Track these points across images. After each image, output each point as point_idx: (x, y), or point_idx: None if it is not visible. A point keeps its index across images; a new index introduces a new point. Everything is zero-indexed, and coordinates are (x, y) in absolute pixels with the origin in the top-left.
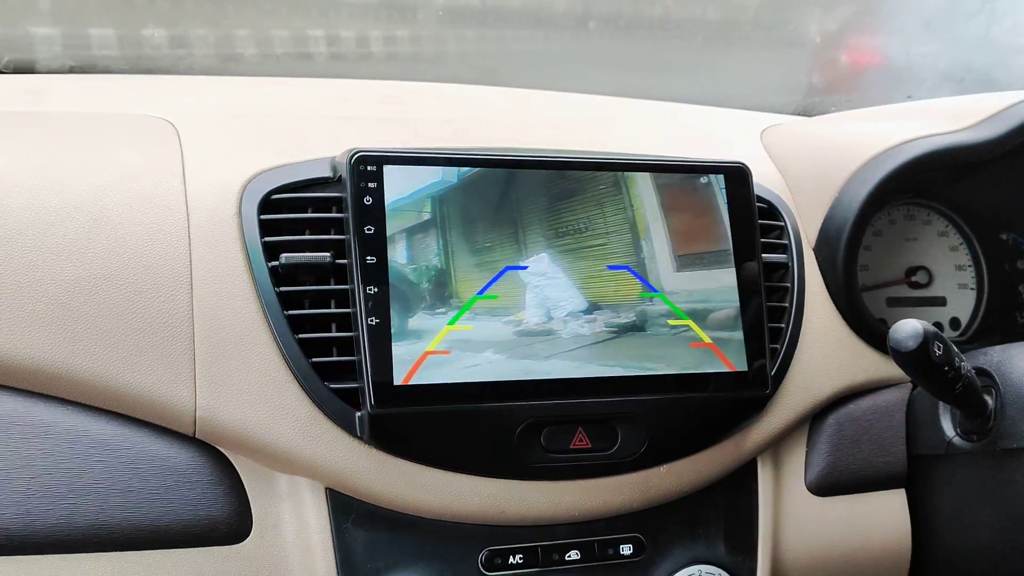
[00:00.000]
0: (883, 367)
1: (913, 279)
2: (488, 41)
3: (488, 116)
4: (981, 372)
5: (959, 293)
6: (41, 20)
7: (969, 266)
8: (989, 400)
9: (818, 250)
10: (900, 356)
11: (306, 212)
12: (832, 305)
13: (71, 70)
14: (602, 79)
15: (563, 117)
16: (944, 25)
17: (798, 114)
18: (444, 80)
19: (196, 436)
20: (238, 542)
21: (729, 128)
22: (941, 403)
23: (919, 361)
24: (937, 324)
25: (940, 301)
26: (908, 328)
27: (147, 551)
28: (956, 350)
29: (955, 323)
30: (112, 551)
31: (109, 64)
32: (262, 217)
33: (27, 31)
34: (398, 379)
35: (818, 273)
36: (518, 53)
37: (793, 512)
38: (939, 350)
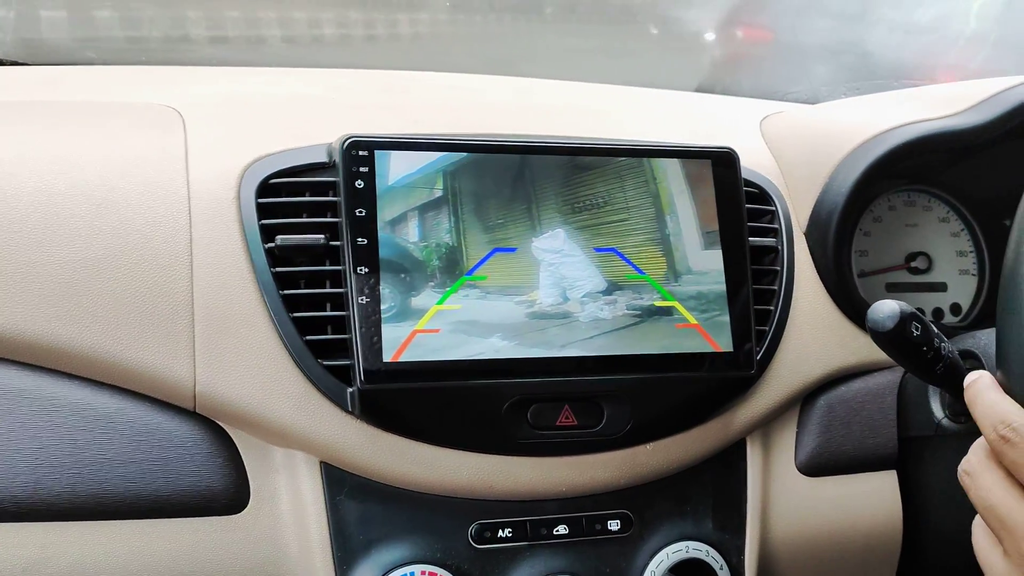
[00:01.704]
0: (874, 350)
1: (913, 264)
2: (440, 24)
3: (486, 104)
4: (969, 355)
5: (960, 279)
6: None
7: (971, 252)
8: None
9: (809, 234)
10: (878, 335)
11: (303, 196)
12: (823, 289)
13: (82, 62)
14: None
15: (563, 105)
16: (827, 3)
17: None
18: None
19: (196, 410)
20: (236, 513)
21: (729, 116)
22: (931, 386)
23: (897, 340)
24: (937, 310)
25: (940, 287)
26: (885, 308)
27: (148, 520)
28: (936, 331)
29: (956, 309)
30: (115, 520)
31: (118, 56)
32: (260, 201)
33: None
34: (387, 356)
35: (809, 257)
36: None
37: (783, 492)
38: (916, 330)
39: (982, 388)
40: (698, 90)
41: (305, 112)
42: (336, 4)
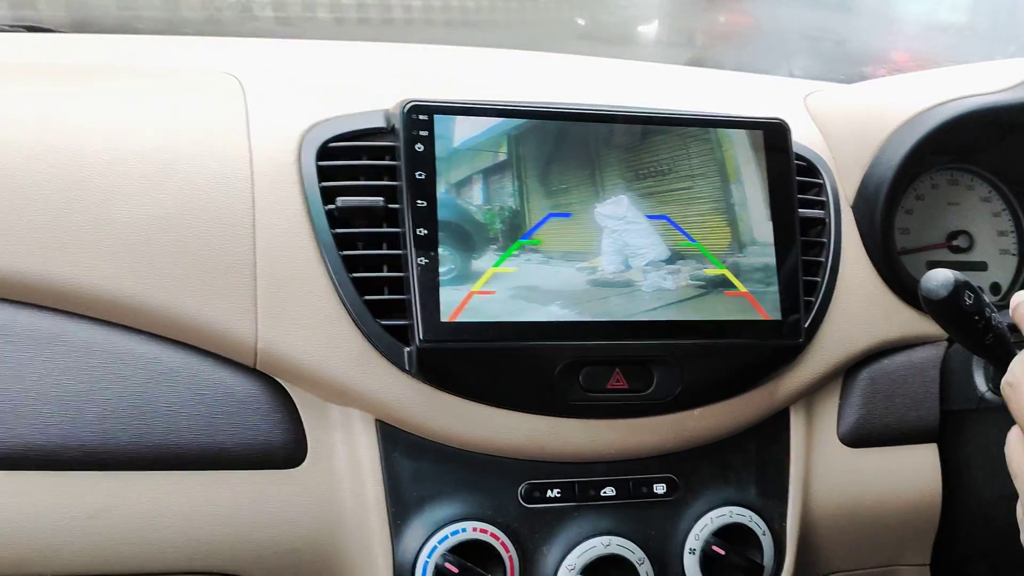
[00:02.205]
0: (919, 324)
1: (954, 243)
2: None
3: (538, 76)
4: (1016, 328)
5: (1000, 259)
6: None
7: (1012, 232)
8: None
9: (856, 208)
10: (931, 303)
11: (361, 159)
12: (869, 262)
13: (138, 31)
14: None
15: (613, 81)
16: None
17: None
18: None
19: (256, 367)
20: (294, 467)
21: (773, 93)
22: (975, 359)
23: (949, 309)
24: (979, 288)
25: (981, 266)
26: (939, 276)
27: (211, 471)
28: (987, 301)
29: (995, 288)
30: (179, 470)
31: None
32: (320, 164)
33: None
34: (444, 316)
35: (856, 231)
36: None
37: (824, 462)
38: (969, 299)
39: None
40: None
41: (360, 80)
42: None
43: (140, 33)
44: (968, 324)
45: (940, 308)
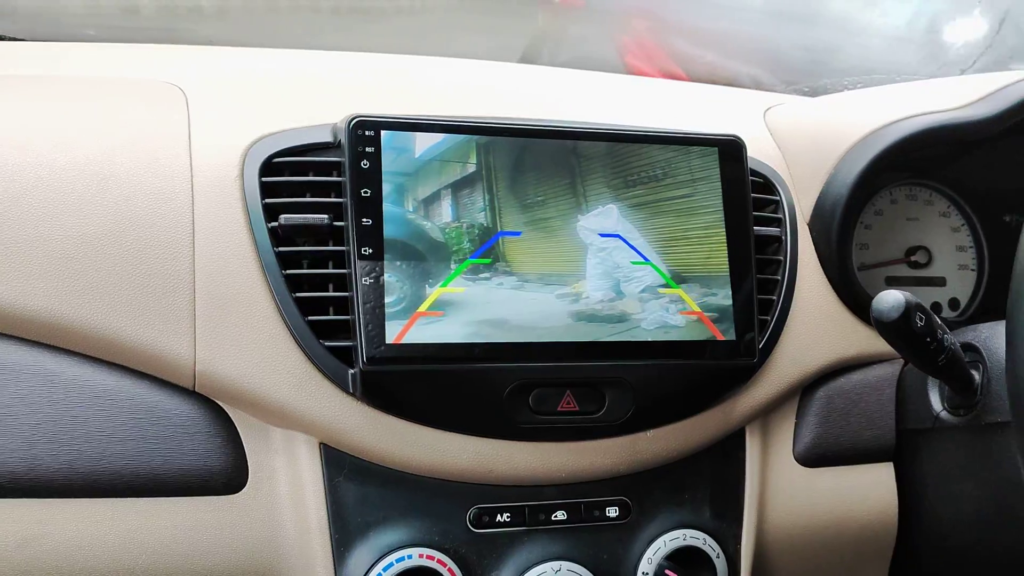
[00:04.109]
0: (875, 342)
1: (913, 259)
2: None
3: (487, 88)
4: (969, 347)
5: (959, 274)
6: None
7: (970, 247)
8: (976, 375)
9: (812, 226)
10: (882, 326)
11: (307, 175)
12: (825, 280)
13: (87, 39)
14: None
15: (570, 93)
16: None
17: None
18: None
19: (195, 389)
20: (234, 492)
21: (733, 106)
22: (930, 378)
23: (900, 331)
24: (936, 304)
25: (940, 281)
26: (890, 298)
27: (146, 498)
28: (939, 322)
29: (954, 303)
30: (113, 497)
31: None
32: (263, 179)
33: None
34: (390, 338)
35: (812, 248)
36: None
37: (780, 482)
38: (921, 321)
39: None
40: (522, 59)
41: (308, 92)
42: None
43: (89, 41)
44: (920, 346)
45: (891, 330)
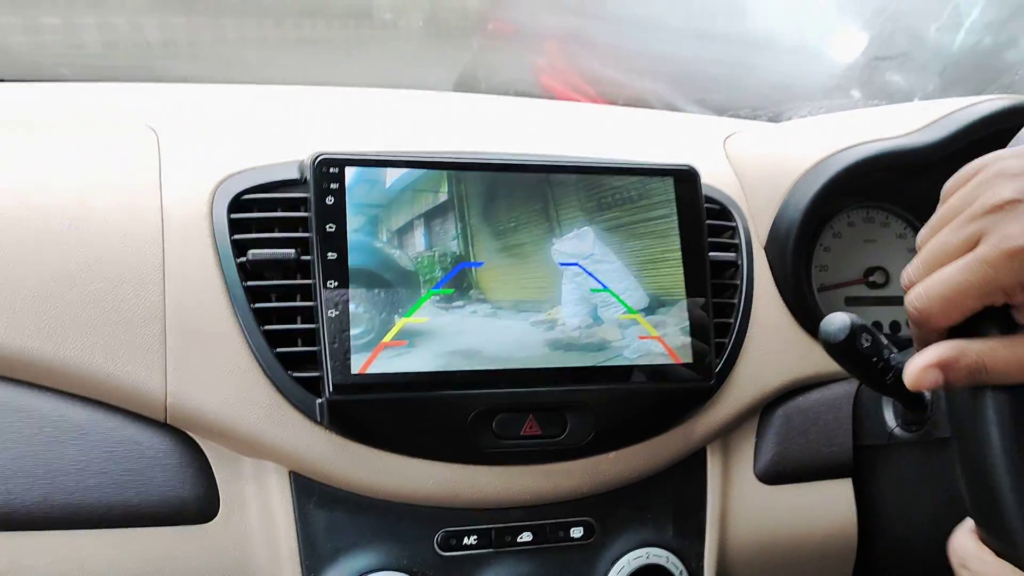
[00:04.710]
0: (830, 362)
1: (871, 279)
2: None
3: (452, 121)
4: None
5: None
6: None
7: None
8: (926, 393)
9: (768, 250)
10: (829, 347)
11: (275, 211)
12: (782, 302)
13: (55, 79)
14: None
15: (533, 123)
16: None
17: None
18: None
19: (167, 422)
20: (206, 522)
21: (693, 134)
22: (883, 396)
23: (847, 351)
24: (894, 323)
25: (898, 300)
26: (837, 320)
27: (120, 529)
28: (886, 342)
29: None
30: (87, 528)
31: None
32: (232, 216)
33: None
34: (355, 369)
35: (769, 272)
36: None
37: (742, 499)
38: (867, 342)
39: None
40: (457, 86)
41: (277, 129)
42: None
43: (64, 80)
44: (867, 365)
45: (838, 351)
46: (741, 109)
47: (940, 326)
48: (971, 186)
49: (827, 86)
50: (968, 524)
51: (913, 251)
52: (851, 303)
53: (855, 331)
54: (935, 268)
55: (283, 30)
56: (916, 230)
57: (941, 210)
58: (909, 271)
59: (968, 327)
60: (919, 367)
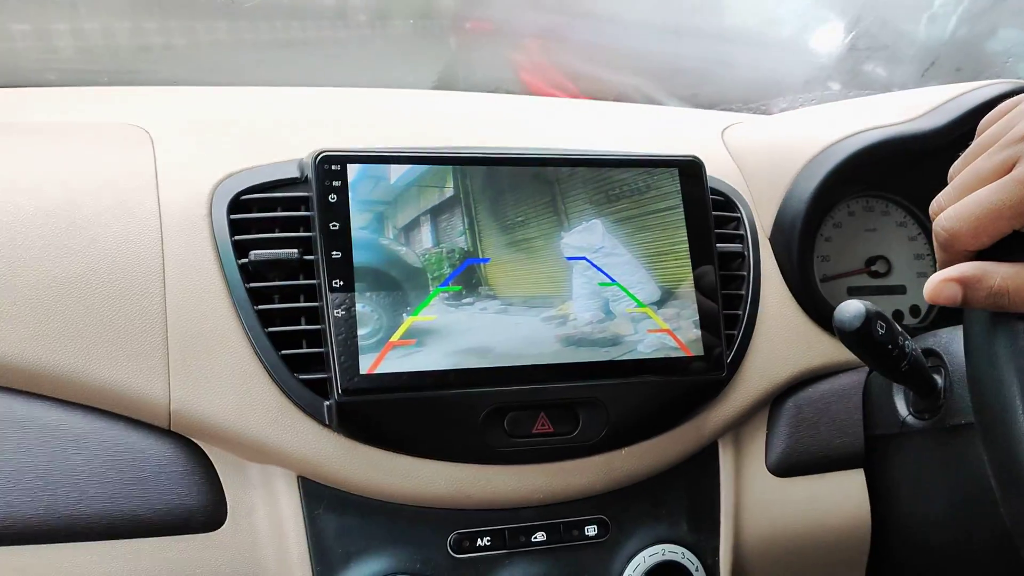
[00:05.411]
0: (840, 352)
1: (873, 268)
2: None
3: (452, 117)
4: (930, 352)
5: (919, 281)
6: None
7: (928, 255)
8: (939, 379)
9: (774, 240)
10: (844, 335)
11: (275, 211)
12: (789, 293)
13: (43, 84)
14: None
15: (530, 119)
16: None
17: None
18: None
19: (171, 429)
20: (213, 530)
21: (691, 127)
22: (895, 384)
23: (862, 339)
24: (897, 312)
25: (900, 289)
26: (851, 308)
27: (125, 540)
28: (900, 330)
29: (915, 310)
30: (91, 540)
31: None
32: (232, 217)
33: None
34: (363, 369)
35: (774, 262)
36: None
37: (754, 493)
38: (882, 329)
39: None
40: (438, 84)
41: (274, 129)
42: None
43: (52, 85)
44: (882, 353)
45: (853, 339)
46: (724, 104)
47: (969, 247)
48: (1006, 119)
49: (807, 79)
50: None
51: (914, 240)
52: (853, 292)
53: (870, 318)
54: (968, 193)
55: (257, 33)
56: (917, 219)
57: (975, 142)
58: (940, 197)
59: (995, 252)
60: (940, 279)
